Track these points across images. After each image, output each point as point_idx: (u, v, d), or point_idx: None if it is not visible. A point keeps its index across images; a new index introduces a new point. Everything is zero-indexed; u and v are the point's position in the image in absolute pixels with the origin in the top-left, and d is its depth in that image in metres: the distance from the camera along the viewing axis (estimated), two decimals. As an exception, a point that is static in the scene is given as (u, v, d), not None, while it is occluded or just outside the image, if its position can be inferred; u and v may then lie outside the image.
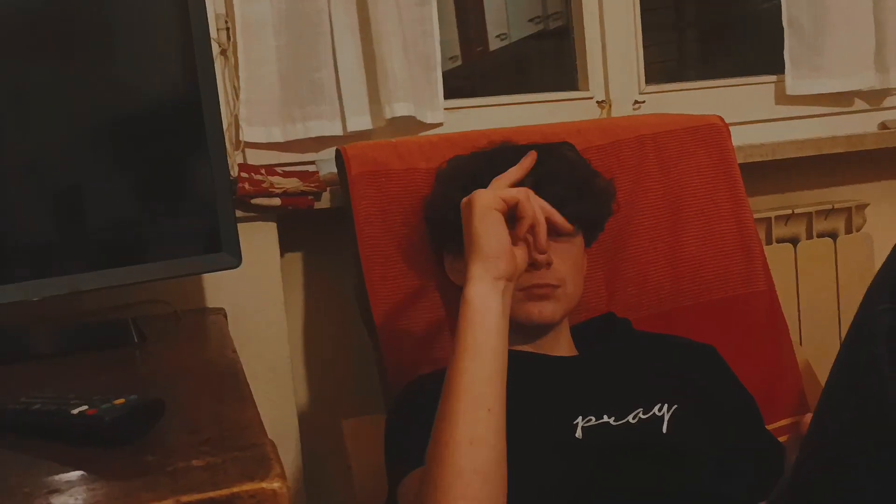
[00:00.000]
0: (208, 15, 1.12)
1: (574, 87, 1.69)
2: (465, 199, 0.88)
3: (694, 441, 1.01)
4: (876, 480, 0.60)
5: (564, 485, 0.93)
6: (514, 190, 0.88)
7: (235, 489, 0.56)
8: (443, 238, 1.18)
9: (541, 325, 1.07)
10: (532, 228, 0.88)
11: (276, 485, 0.57)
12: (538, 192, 1.05)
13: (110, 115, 1.10)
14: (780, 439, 1.16)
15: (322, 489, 1.47)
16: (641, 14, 1.66)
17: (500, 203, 0.86)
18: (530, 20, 3.13)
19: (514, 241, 0.88)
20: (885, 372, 0.59)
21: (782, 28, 1.68)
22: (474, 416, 0.82)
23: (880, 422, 0.59)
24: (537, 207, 0.89)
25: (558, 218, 0.92)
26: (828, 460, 0.63)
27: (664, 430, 1.00)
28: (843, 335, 1.63)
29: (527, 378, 1.01)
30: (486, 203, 0.85)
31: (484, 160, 1.14)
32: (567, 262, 1.08)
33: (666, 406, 1.02)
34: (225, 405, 0.77)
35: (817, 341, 1.63)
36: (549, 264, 1.04)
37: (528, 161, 0.95)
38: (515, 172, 0.94)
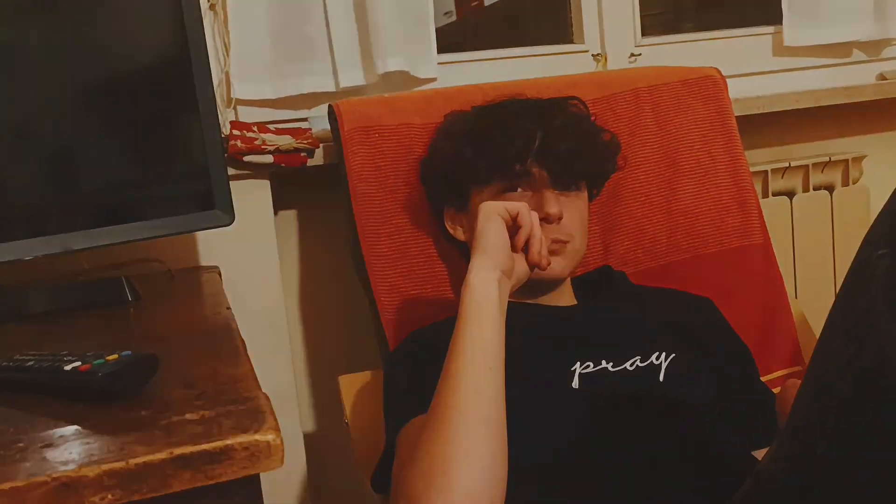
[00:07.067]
0: (196, -32, 1.10)
1: (570, 41, 1.67)
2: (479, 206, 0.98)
3: (690, 390, 1.02)
4: (872, 425, 0.60)
5: (563, 431, 0.94)
6: (516, 203, 0.97)
7: (229, 441, 0.56)
8: (445, 192, 1.17)
9: (549, 280, 1.08)
10: (529, 239, 0.96)
11: (269, 437, 0.57)
12: (545, 149, 1.06)
13: (100, 75, 1.08)
14: (774, 391, 1.17)
15: (319, 444, 1.48)
16: (636, -36, 1.63)
17: (504, 211, 0.96)
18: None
19: (515, 249, 0.96)
20: (882, 316, 0.58)
21: (780, -23, 1.66)
22: (477, 373, 0.86)
23: (876, 366, 0.59)
24: (536, 220, 0.97)
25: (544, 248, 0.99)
26: (824, 405, 0.63)
27: (661, 378, 1.01)
28: (838, 286, 1.63)
29: (529, 328, 1.02)
30: (492, 208, 0.96)
31: (491, 115, 1.14)
32: (575, 216, 1.10)
33: (664, 355, 1.03)
34: (219, 361, 0.76)
35: (813, 294, 1.63)
36: (559, 218, 1.06)
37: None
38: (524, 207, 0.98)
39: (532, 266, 0.97)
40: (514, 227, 0.96)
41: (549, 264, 0.99)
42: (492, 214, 0.95)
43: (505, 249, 0.94)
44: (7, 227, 1.04)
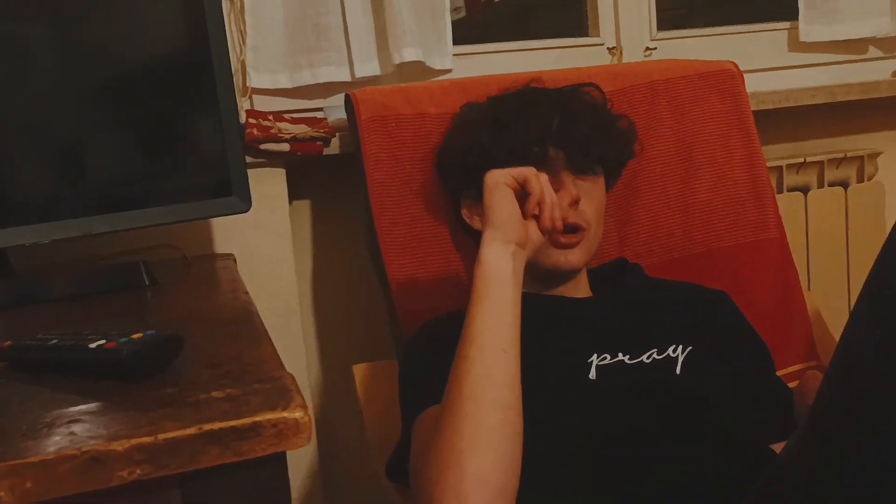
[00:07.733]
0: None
1: (584, 34, 1.66)
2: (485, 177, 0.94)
3: (707, 383, 1.01)
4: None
5: (580, 422, 0.94)
6: (523, 168, 0.93)
7: (258, 418, 0.56)
8: (461, 182, 1.17)
9: (566, 271, 1.07)
10: (540, 205, 0.92)
11: (297, 414, 0.57)
12: (563, 132, 1.06)
13: (121, 64, 1.08)
14: (790, 385, 1.17)
15: (332, 434, 1.48)
16: (653, -42, 1.63)
17: (511, 179, 0.92)
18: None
19: (526, 216, 0.92)
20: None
21: (796, -27, 1.65)
22: (490, 356, 0.85)
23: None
24: (545, 184, 0.92)
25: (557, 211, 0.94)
26: (850, 393, 0.63)
27: (678, 371, 1.01)
28: (852, 283, 1.63)
29: (545, 319, 1.01)
30: (498, 178, 0.92)
31: (508, 103, 1.14)
32: (592, 202, 1.09)
33: (680, 348, 1.03)
34: (242, 342, 0.76)
35: (827, 289, 1.63)
36: (577, 201, 1.05)
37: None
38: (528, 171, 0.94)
39: (545, 232, 0.93)
40: (522, 193, 0.92)
41: (562, 227, 0.95)
42: (498, 184, 0.91)
43: (516, 219, 0.90)
44: (27, 211, 1.04)
